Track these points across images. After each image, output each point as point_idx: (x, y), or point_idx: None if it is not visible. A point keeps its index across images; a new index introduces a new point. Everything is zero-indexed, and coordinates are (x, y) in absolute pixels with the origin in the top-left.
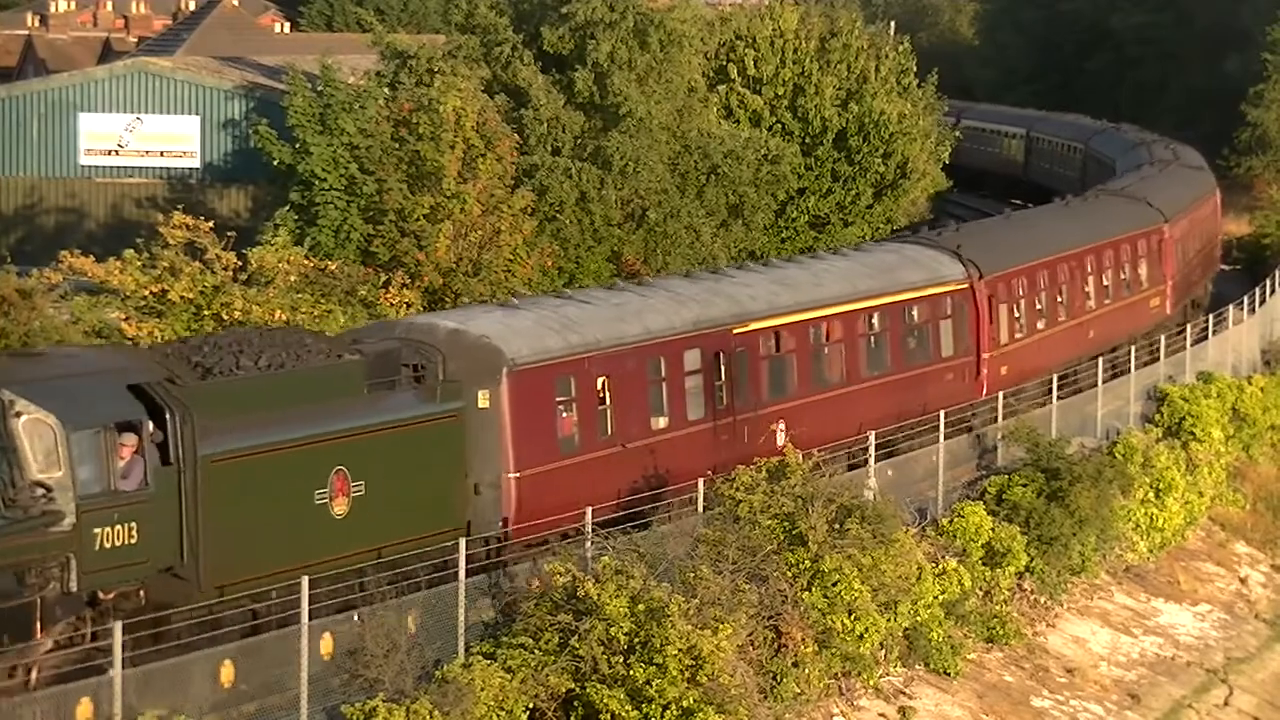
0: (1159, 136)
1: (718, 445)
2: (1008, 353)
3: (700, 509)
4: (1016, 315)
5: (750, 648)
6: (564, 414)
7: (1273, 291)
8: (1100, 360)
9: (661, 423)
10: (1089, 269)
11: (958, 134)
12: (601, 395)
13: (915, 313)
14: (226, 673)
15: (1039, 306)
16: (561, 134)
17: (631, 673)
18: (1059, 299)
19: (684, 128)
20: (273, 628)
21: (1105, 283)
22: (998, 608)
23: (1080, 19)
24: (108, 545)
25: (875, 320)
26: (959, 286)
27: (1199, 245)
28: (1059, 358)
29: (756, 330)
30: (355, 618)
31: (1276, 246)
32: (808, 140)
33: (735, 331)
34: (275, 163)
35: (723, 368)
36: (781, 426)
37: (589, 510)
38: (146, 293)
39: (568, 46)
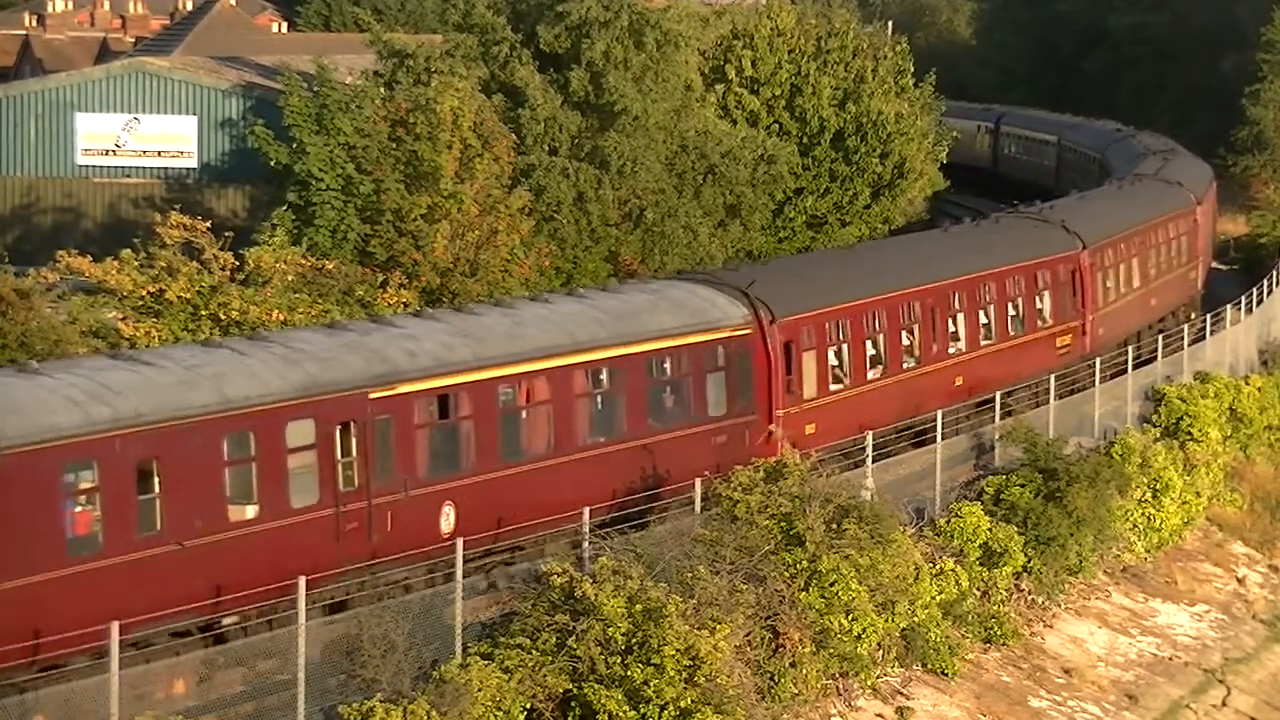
0: (1170, 146)
1: (342, 536)
2: (817, 408)
3: (698, 509)
4: (834, 364)
5: (748, 648)
6: (79, 508)
7: (1270, 291)
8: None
9: (248, 513)
10: (956, 305)
11: (956, 135)
12: (147, 482)
13: (668, 365)
14: None
15: (874, 351)
16: (559, 134)
17: (629, 673)
18: (904, 342)
19: (681, 127)
20: None
21: (984, 320)
22: (995, 608)
23: (1077, 19)
24: None
25: (604, 376)
26: (739, 332)
27: (1152, 271)
28: (907, 409)
29: (409, 394)
30: None
31: (1273, 246)
32: (805, 140)
33: (374, 396)
34: (272, 163)
35: (353, 441)
36: (450, 509)
37: (586, 510)
38: (144, 292)
39: (564, 45)
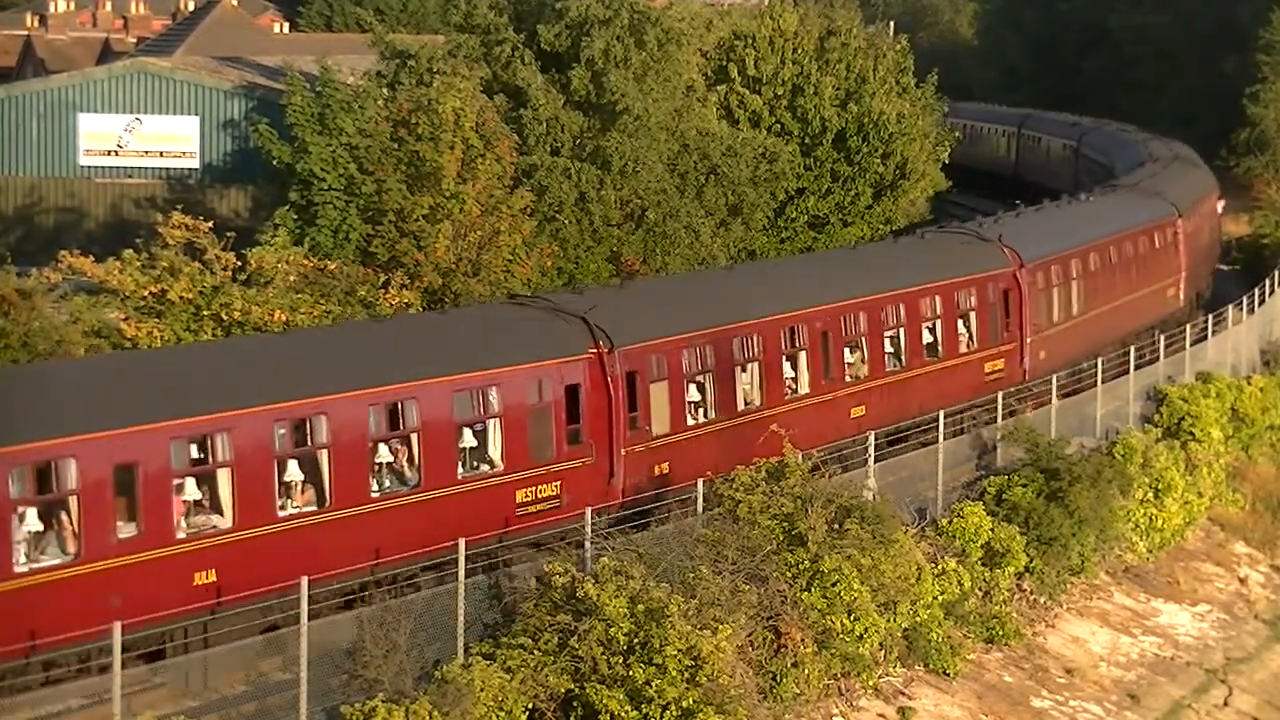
0: (1133, 181)
1: None
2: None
3: (700, 509)
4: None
5: (749, 648)
6: None
7: (1272, 291)
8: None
9: None
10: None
11: (958, 135)
12: None
13: None
14: None
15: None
16: (560, 134)
17: (631, 673)
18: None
19: (683, 127)
20: None
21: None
22: (997, 608)
23: (1078, 19)
24: None
25: None
26: None
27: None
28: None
29: None
30: None
31: (1275, 246)
32: (807, 140)
33: None
34: (275, 162)
35: None
36: None
37: (588, 510)
38: (146, 293)
39: (564, 44)
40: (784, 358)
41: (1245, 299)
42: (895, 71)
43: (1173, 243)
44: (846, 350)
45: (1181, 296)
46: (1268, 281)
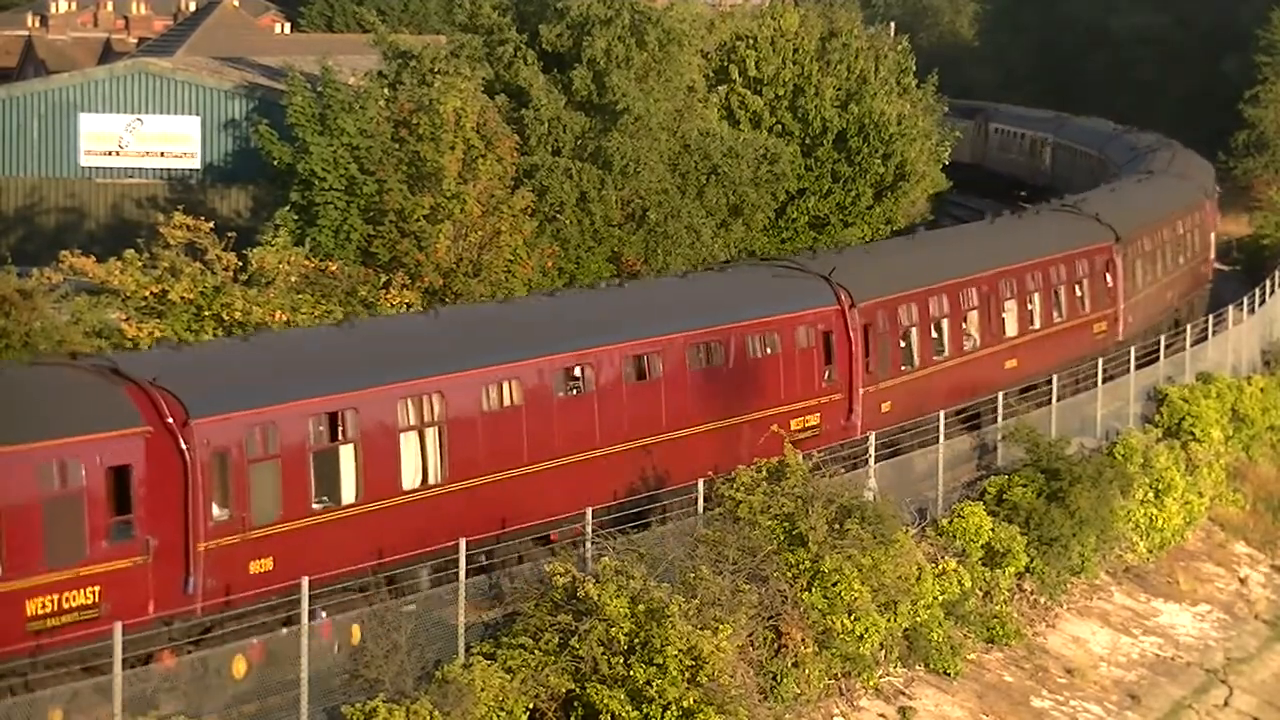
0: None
1: None
2: None
3: (700, 509)
4: None
5: (750, 648)
6: None
7: (1272, 292)
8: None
9: None
10: None
11: (958, 134)
12: None
13: None
14: None
15: None
16: (562, 134)
17: (632, 673)
18: None
19: (684, 128)
20: None
21: None
22: (997, 608)
23: (1079, 20)
24: None
25: None
26: None
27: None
28: None
29: None
30: None
31: (1276, 247)
32: (808, 141)
33: None
34: (275, 162)
35: None
36: None
37: (589, 510)
38: (147, 293)
39: (565, 44)
40: None
41: (1245, 299)
42: (896, 72)
43: (822, 340)
44: None
45: (882, 409)
46: (1268, 282)
